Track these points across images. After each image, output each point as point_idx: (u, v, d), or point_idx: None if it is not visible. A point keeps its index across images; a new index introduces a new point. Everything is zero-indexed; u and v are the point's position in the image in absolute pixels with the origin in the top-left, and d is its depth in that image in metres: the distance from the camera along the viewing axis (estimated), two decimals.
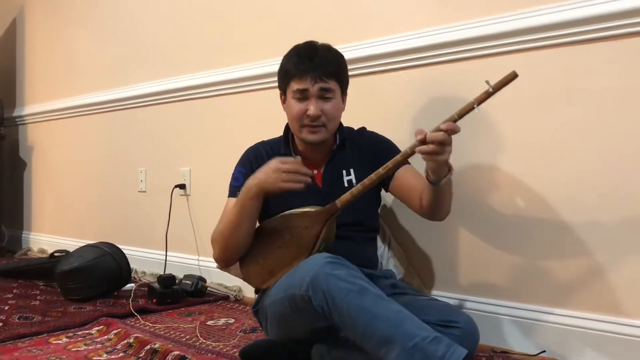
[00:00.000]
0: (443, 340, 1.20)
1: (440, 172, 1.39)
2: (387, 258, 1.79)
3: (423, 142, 1.31)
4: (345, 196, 1.45)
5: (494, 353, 1.62)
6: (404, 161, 1.40)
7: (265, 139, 1.74)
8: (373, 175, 1.42)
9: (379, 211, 1.77)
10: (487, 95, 1.29)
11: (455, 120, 1.31)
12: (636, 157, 1.47)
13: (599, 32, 1.51)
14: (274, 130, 1.78)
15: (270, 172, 1.43)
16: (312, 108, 1.54)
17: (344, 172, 1.64)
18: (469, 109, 1.31)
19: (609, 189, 1.51)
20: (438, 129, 1.30)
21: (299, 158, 1.46)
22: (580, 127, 1.56)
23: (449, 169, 1.40)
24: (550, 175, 1.61)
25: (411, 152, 1.37)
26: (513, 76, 1.28)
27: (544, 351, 1.58)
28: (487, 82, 1.28)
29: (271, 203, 1.55)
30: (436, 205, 1.50)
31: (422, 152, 1.33)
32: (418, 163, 1.53)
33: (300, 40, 1.65)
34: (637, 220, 1.47)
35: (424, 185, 1.48)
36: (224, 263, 1.60)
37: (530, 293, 1.65)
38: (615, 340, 1.49)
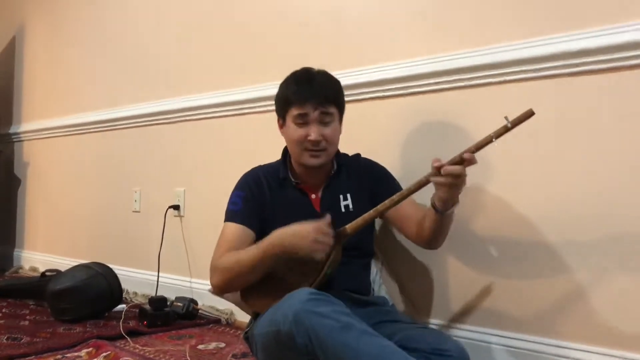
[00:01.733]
0: None
1: (449, 203, 1.41)
2: (379, 284, 1.78)
3: (438, 171, 1.34)
4: (357, 222, 1.46)
5: None
6: (417, 190, 1.41)
7: (262, 164, 1.73)
8: (387, 202, 1.44)
9: (374, 239, 1.77)
10: (506, 130, 1.32)
11: (472, 152, 1.34)
12: (625, 182, 1.48)
13: (589, 65, 1.53)
14: (270, 153, 1.78)
15: (308, 239, 1.39)
16: (314, 133, 1.56)
17: (341, 197, 1.65)
18: (487, 142, 1.34)
19: (602, 216, 1.51)
20: (457, 161, 1.33)
21: (329, 217, 1.44)
22: (569, 155, 1.57)
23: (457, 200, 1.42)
24: (543, 201, 1.61)
25: (426, 181, 1.38)
26: (530, 113, 1.32)
27: None
28: (505, 117, 1.32)
29: (272, 229, 1.51)
30: (437, 234, 1.52)
31: (438, 183, 1.35)
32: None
33: (296, 64, 1.67)
34: (634, 250, 1.47)
35: (426, 213, 1.49)
36: (221, 292, 1.59)
37: (523, 322, 1.64)
38: None
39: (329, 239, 1.40)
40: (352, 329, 1.25)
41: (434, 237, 1.53)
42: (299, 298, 1.30)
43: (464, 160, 1.33)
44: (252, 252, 1.48)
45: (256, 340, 1.48)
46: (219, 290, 1.58)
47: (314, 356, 1.27)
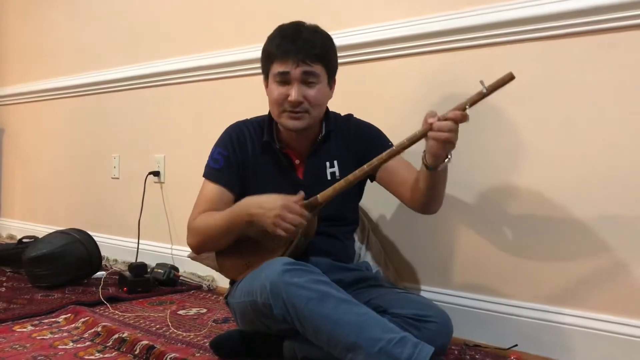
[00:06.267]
0: (409, 340, 1.18)
1: (440, 158, 1.31)
2: (364, 250, 1.78)
3: (430, 128, 1.26)
4: (328, 191, 1.39)
5: (466, 347, 1.62)
6: (397, 154, 1.34)
7: (249, 118, 1.64)
8: (357, 172, 1.36)
9: (358, 206, 1.74)
10: (481, 97, 1.24)
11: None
12: (625, 154, 1.47)
13: (589, 25, 1.50)
14: (249, 117, 1.74)
15: (271, 214, 1.34)
16: (293, 93, 1.44)
17: (327, 164, 1.57)
18: (461, 109, 1.25)
19: (595, 187, 1.51)
20: (448, 117, 1.25)
21: (302, 193, 1.38)
22: (557, 123, 1.56)
23: (448, 155, 1.33)
24: (531, 171, 1.61)
25: (409, 144, 1.31)
26: (509, 78, 1.23)
27: (516, 345, 1.58)
28: (481, 82, 1.23)
29: (253, 193, 1.47)
30: (430, 194, 1.42)
31: (435, 138, 1.26)
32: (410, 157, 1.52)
33: (273, 28, 1.60)
34: (614, 216, 1.47)
35: (418, 175, 1.42)
36: (197, 253, 1.58)
37: (503, 287, 1.66)
38: (586, 335, 1.50)
39: (294, 217, 1.34)
40: (329, 299, 1.23)
41: (428, 199, 1.44)
42: (275, 269, 1.27)
43: (455, 119, 1.25)
44: (221, 217, 1.46)
45: (234, 308, 1.47)
46: (193, 250, 1.56)
47: (292, 325, 1.27)
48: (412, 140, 1.31)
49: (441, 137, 1.25)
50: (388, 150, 1.35)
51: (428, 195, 1.43)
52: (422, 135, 1.29)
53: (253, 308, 1.35)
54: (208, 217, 1.50)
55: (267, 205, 1.37)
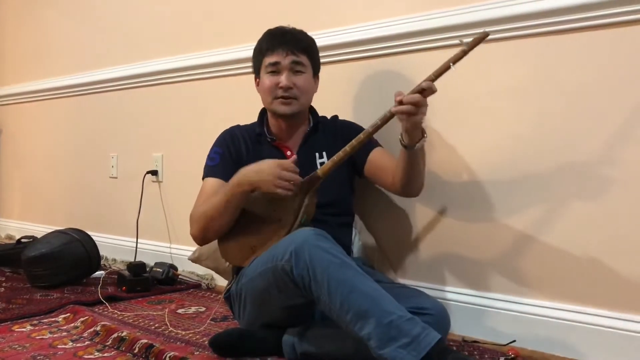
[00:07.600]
0: (419, 322, 1.22)
1: (414, 135, 1.41)
2: (357, 246, 1.78)
3: (400, 102, 1.35)
4: (327, 165, 1.48)
5: (464, 342, 1.63)
6: (383, 124, 1.42)
7: (241, 124, 1.75)
8: (354, 141, 1.45)
9: (352, 200, 1.76)
10: (463, 54, 1.34)
11: (432, 81, 1.35)
12: (601, 148, 1.48)
13: (572, 23, 1.50)
14: (247, 116, 1.77)
15: (266, 175, 1.44)
16: (283, 79, 1.59)
17: (317, 154, 1.67)
18: (445, 69, 1.35)
19: (582, 182, 1.52)
20: (417, 91, 1.35)
21: (295, 157, 1.49)
22: (552, 119, 1.56)
23: (423, 134, 1.43)
24: (521, 167, 1.61)
25: (390, 115, 1.39)
26: (485, 35, 1.36)
27: (514, 341, 1.58)
28: (460, 40, 1.34)
29: None
30: (409, 175, 1.51)
31: (399, 112, 1.36)
32: (391, 146, 1.53)
33: (272, 25, 1.68)
34: (609, 214, 1.48)
35: (399, 157, 1.50)
36: (201, 241, 1.60)
37: (501, 283, 1.66)
38: (583, 330, 1.50)
39: (291, 175, 1.43)
40: (349, 268, 1.28)
41: (408, 180, 1.53)
42: (303, 233, 1.34)
43: (423, 90, 1.35)
44: (221, 194, 1.51)
45: (243, 290, 1.49)
46: (197, 240, 1.59)
47: (308, 291, 1.29)
48: (384, 119, 1.40)
49: (403, 110, 1.34)
50: (381, 116, 1.42)
51: (408, 176, 1.52)
52: (390, 113, 1.38)
53: (270, 275, 1.37)
54: (207, 201, 1.56)
55: (264, 169, 1.45)
